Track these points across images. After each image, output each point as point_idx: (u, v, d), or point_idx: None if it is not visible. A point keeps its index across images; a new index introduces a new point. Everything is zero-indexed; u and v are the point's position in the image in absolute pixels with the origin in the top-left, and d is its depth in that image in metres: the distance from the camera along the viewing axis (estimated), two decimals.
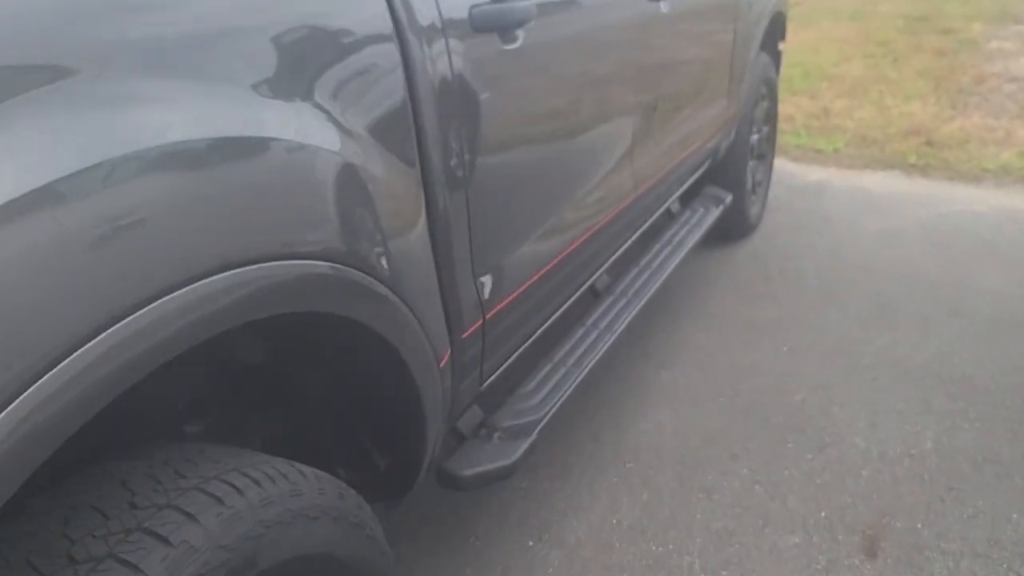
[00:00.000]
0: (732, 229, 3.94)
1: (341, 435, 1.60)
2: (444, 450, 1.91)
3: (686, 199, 3.52)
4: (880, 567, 2.12)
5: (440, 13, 1.46)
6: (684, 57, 2.83)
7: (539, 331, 2.09)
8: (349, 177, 1.23)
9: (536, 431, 1.96)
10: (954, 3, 8.92)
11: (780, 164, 5.08)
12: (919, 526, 2.23)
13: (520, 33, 1.66)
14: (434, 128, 1.44)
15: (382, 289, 1.29)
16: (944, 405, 2.75)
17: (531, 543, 2.24)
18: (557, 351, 2.29)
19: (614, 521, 2.32)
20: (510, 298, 1.79)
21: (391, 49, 1.35)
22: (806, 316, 3.35)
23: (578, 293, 2.31)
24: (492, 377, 1.87)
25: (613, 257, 2.53)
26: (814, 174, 5.01)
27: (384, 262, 1.30)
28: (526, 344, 2.00)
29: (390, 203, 1.34)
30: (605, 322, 2.51)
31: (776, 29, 4.02)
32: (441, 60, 1.46)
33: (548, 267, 1.95)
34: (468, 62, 1.53)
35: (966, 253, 3.84)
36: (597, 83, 2.14)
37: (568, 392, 2.12)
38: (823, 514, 2.31)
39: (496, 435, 1.94)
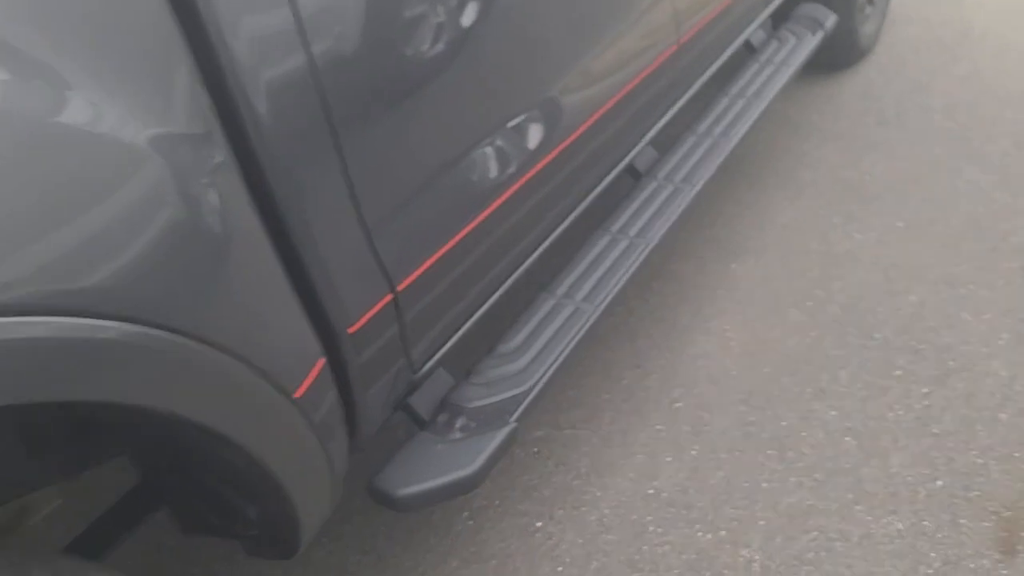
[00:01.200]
0: (838, 55, 3.05)
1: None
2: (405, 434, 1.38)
3: (775, 21, 2.67)
4: (1022, 573, 1.51)
5: None
6: None
7: (525, 264, 1.46)
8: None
9: (516, 415, 1.38)
10: None
11: None
12: None
13: None
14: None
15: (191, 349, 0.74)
16: None
17: (539, 523, 1.73)
18: (561, 279, 1.66)
19: (650, 491, 1.76)
20: (442, 250, 1.16)
21: None
22: (930, 177, 2.54)
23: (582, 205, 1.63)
24: (439, 355, 1.28)
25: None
26: None
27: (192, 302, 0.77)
28: (495, 296, 1.39)
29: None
30: (641, 221, 1.84)
31: None
32: None
33: (508, 191, 1.30)
34: None
35: None
36: None
37: (570, 347, 1.51)
38: (939, 484, 1.68)
39: (458, 423, 1.37)
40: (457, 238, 1.22)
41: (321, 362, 0.98)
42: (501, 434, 1.34)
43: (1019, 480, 1.66)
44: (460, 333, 1.33)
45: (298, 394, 0.93)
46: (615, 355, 2.07)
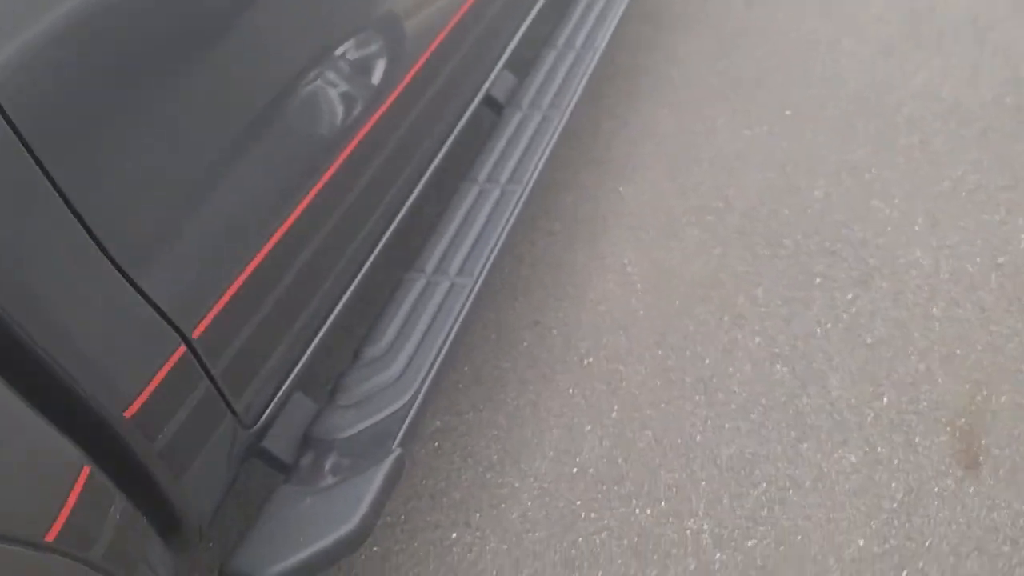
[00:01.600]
0: None
1: None
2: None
3: None
4: (990, 486, 1.36)
5: None
6: None
7: (378, 246, 1.16)
8: None
9: (399, 437, 1.10)
10: None
11: None
12: None
13: None
14: None
15: None
16: None
17: (454, 534, 1.47)
18: (428, 253, 1.36)
19: (574, 470, 1.52)
20: (234, 286, 0.85)
21: None
22: (810, 55, 2.35)
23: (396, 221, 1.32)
24: (281, 391, 0.98)
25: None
26: None
27: None
28: (347, 295, 1.08)
29: None
30: (512, 162, 1.55)
31: None
32: None
33: (336, 162, 0.98)
34: None
35: None
36: None
37: (452, 335, 1.22)
38: (885, 400, 1.51)
39: (328, 462, 1.08)
40: (271, 241, 0.91)
41: (85, 472, 0.67)
42: (384, 467, 1.06)
43: (965, 381, 1.51)
44: (304, 359, 1.02)
45: (51, 536, 0.62)
46: (508, 315, 1.80)
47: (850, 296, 1.69)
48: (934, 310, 1.63)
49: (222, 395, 0.85)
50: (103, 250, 0.72)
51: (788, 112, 2.17)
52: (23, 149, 0.66)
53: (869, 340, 1.61)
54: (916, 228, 1.80)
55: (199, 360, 0.81)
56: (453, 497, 1.52)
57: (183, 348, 0.78)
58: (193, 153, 0.84)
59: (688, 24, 2.57)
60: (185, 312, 0.79)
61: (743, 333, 1.67)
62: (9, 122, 0.66)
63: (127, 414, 0.72)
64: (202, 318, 0.81)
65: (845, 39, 2.37)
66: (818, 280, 1.74)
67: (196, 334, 0.80)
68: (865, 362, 1.57)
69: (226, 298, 0.83)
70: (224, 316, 0.83)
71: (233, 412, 0.88)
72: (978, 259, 1.71)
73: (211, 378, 0.83)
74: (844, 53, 2.32)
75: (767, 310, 1.71)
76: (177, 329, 0.78)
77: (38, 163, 0.67)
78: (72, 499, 0.65)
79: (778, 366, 1.60)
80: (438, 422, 1.64)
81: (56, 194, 0.68)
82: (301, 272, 0.97)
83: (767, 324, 1.68)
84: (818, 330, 1.65)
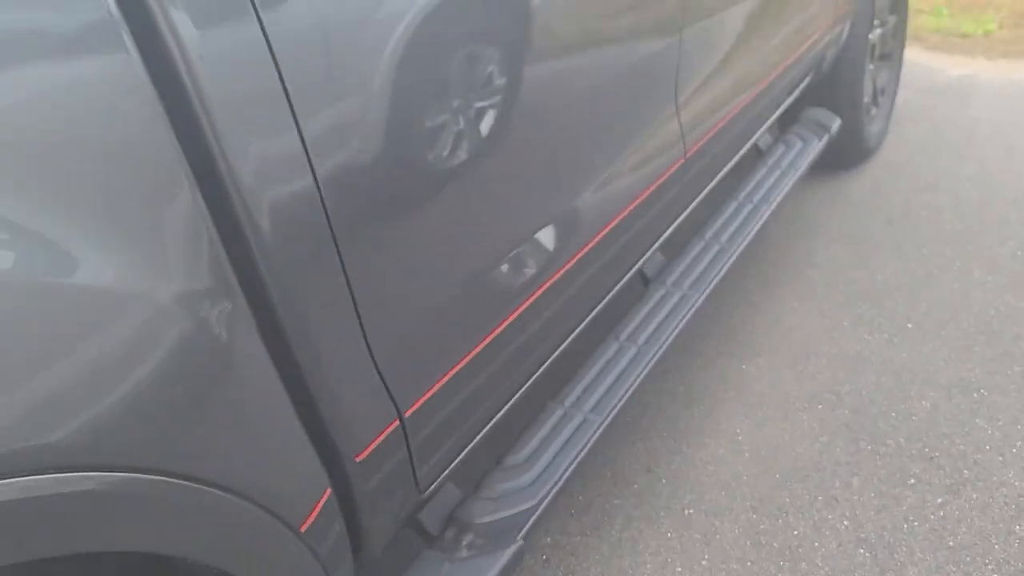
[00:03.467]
0: (845, 155, 3.11)
1: None
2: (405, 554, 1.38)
3: (782, 124, 2.74)
4: None
5: None
6: None
7: (534, 376, 1.48)
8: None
9: (524, 531, 1.38)
10: None
11: (914, 55, 4.10)
12: None
13: None
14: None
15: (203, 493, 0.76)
16: None
17: None
18: (570, 388, 1.67)
19: None
20: (449, 372, 1.19)
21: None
22: (940, 277, 2.56)
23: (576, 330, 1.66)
24: (446, 473, 1.29)
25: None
26: (957, 67, 4.00)
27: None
28: (504, 410, 1.40)
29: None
30: (650, 328, 1.86)
31: None
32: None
33: (518, 309, 1.33)
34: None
35: None
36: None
37: (578, 460, 1.51)
38: None
39: (465, 539, 1.37)
40: (466, 359, 1.25)
41: (327, 492, 1.00)
42: (507, 554, 1.33)
43: None
44: (468, 450, 1.34)
45: (304, 527, 0.95)
46: (625, 457, 2.07)
47: (940, 500, 1.85)
48: (1017, 527, 1.76)
49: (411, 464, 1.17)
50: (364, 334, 1.05)
51: (910, 325, 2.38)
52: (333, 249, 0.99)
53: (951, 543, 1.75)
54: (1014, 451, 1.94)
55: (405, 433, 1.13)
56: None
57: (396, 422, 1.11)
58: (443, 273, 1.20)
59: (831, 234, 2.85)
60: (404, 394, 1.12)
61: (834, 514, 1.85)
62: (331, 228, 0.99)
63: (357, 458, 1.05)
64: (414, 402, 1.14)
65: (977, 269, 2.57)
66: (912, 481, 1.91)
67: (407, 412, 1.13)
68: (944, 562, 1.72)
69: (432, 390, 1.17)
70: (428, 404, 1.16)
71: (415, 478, 1.19)
72: None
73: (408, 449, 1.15)
74: (974, 281, 2.52)
75: (860, 498, 1.88)
76: (396, 406, 1.11)
77: (339, 258, 1.00)
78: (317, 508, 0.97)
79: (862, 550, 1.77)
80: (549, 539, 1.89)
81: (344, 282, 1.01)
82: (487, 380, 1.30)
83: (857, 511, 1.85)
84: (905, 525, 1.81)
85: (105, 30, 0.76)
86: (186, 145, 0.82)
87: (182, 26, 0.81)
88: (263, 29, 0.86)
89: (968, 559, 1.72)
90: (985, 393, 2.12)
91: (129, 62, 0.77)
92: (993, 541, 1.75)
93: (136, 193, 0.79)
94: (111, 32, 0.76)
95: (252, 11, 0.86)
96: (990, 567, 1.69)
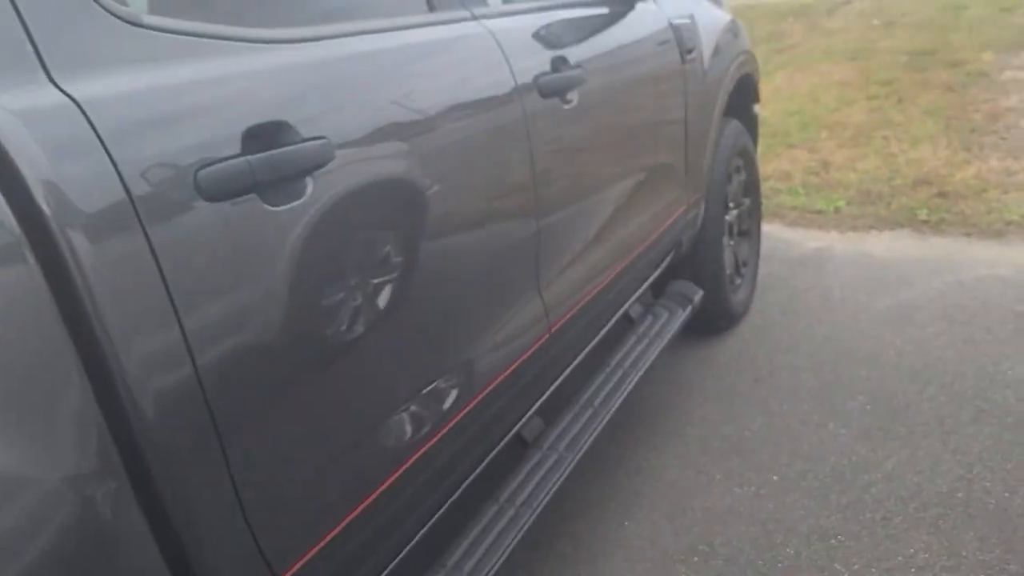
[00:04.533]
0: (714, 321, 3.41)
1: None
2: None
3: (654, 291, 3.02)
4: None
5: None
6: (603, 150, 2.34)
7: (412, 542, 1.59)
8: None
9: None
10: (961, 32, 8.38)
11: (775, 231, 4.58)
12: None
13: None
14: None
15: None
16: (976, 554, 2.18)
17: None
18: (451, 552, 1.77)
19: None
20: (325, 539, 1.30)
21: None
22: (800, 431, 2.80)
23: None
24: None
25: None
26: (813, 240, 4.47)
27: None
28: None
29: None
30: (528, 489, 1.99)
31: (746, 91, 3.55)
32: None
33: (390, 477, 1.46)
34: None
35: (991, 332, 3.27)
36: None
37: None
38: None
39: None
40: (343, 522, 1.36)
41: None
42: None
43: None
44: None
45: None
46: None
47: None
48: None
49: None
50: (238, 497, 1.16)
51: (775, 477, 2.58)
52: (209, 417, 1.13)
53: None
54: None
55: None
56: None
57: None
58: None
59: (704, 393, 3.09)
60: (280, 555, 1.22)
61: None
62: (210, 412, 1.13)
63: None
64: (294, 562, 1.23)
65: (831, 422, 2.82)
66: None
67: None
68: None
69: (311, 552, 1.27)
70: (307, 567, 1.26)
71: None
72: None
73: None
74: (828, 433, 2.76)
75: None
76: (271, 571, 1.20)
77: (215, 427, 1.13)
78: None
79: None
80: None
81: (220, 448, 1.13)
82: (363, 544, 1.41)
83: None
84: None
85: (9, 247, 0.91)
86: (77, 342, 0.96)
87: (76, 240, 0.97)
88: (148, 240, 1.03)
89: None
90: (842, 539, 2.30)
91: (29, 271, 0.92)
92: None
93: (32, 384, 0.92)
94: (14, 248, 0.92)
95: (139, 226, 1.03)
96: None
